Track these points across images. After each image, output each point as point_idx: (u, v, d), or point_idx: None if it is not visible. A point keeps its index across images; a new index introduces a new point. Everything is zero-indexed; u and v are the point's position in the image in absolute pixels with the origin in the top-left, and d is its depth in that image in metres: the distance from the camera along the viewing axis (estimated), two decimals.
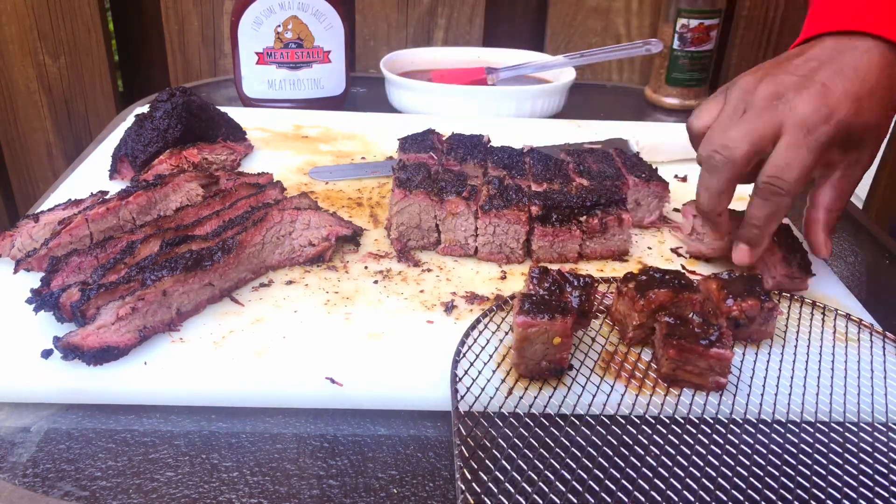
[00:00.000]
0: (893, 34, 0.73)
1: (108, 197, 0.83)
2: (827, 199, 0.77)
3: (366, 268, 0.81)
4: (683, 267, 0.84)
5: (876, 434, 0.60)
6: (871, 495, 0.54)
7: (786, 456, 0.57)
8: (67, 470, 0.56)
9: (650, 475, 0.54)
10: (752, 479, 0.54)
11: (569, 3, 1.62)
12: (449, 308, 0.74)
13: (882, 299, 0.84)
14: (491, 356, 0.67)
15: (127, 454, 0.58)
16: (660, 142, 1.10)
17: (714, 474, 0.54)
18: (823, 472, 0.56)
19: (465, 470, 0.53)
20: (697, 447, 0.57)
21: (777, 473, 0.55)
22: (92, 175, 0.99)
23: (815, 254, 0.79)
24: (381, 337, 0.70)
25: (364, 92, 1.44)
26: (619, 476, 0.54)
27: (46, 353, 0.64)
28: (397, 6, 1.62)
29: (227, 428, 0.61)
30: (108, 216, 0.79)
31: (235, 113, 1.12)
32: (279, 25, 1.22)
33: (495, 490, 0.52)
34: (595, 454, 0.56)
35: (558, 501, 0.51)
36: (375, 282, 0.78)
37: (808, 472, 0.56)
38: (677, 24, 1.33)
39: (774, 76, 0.74)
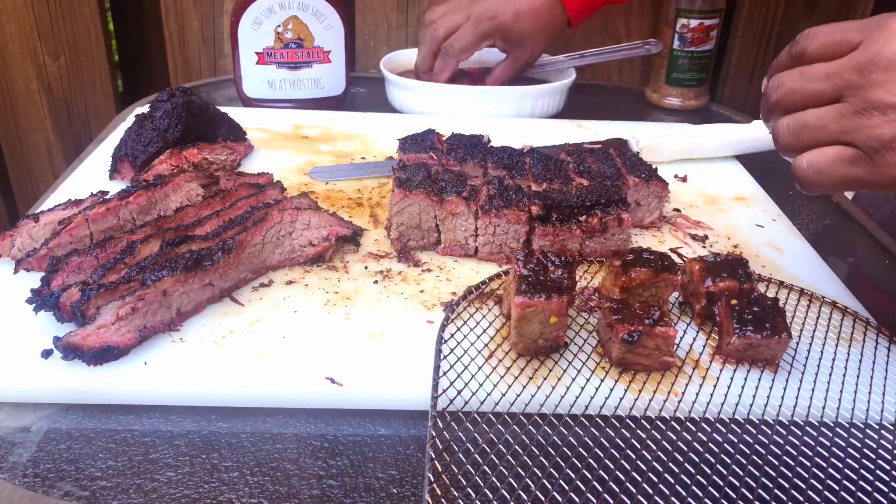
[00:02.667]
0: None
1: (108, 197, 0.83)
2: (495, 72, 1.30)
3: (366, 268, 0.81)
4: (680, 255, 0.84)
5: (873, 435, 0.60)
6: (861, 495, 0.54)
7: (784, 456, 0.57)
8: (67, 470, 0.56)
9: (638, 477, 0.54)
10: (746, 478, 0.55)
11: None
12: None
13: (882, 299, 0.84)
14: (471, 346, 0.67)
15: (127, 454, 0.58)
16: (660, 142, 1.10)
17: (693, 471, 0.55)
18: (819, 473, 0.56)
19: (435, 486, 0.53)
20: (680, 444, 0.57)
21: (774, 473, 0.55)
22: (92, 175, 0.99)
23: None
24: (381, 337, 0.70)
25: (364, 92, 1.44)
26: (590, 477, 0.54)
27: (46, 353, 0.64)
28: (397, 6, 1.62)
29: (227, 428, 0.61)
30: (108, 216, 0.79)
31: (235, 113, 1.12)
32: (279, 25, 1.22)
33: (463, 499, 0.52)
34: (569, 453, 0.56)
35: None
36: (375, 282, 0.79)
37: (802, 472, 0.56)
38: (677, 24, 1.33)
39: None
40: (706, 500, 0.52)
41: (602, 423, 0.59)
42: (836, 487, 0.54)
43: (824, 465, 0.56)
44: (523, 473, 0.54)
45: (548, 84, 1.30)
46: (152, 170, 0.93)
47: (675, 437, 0.58)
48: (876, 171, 0.57)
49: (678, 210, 0.98)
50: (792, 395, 0.64)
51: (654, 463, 0.56)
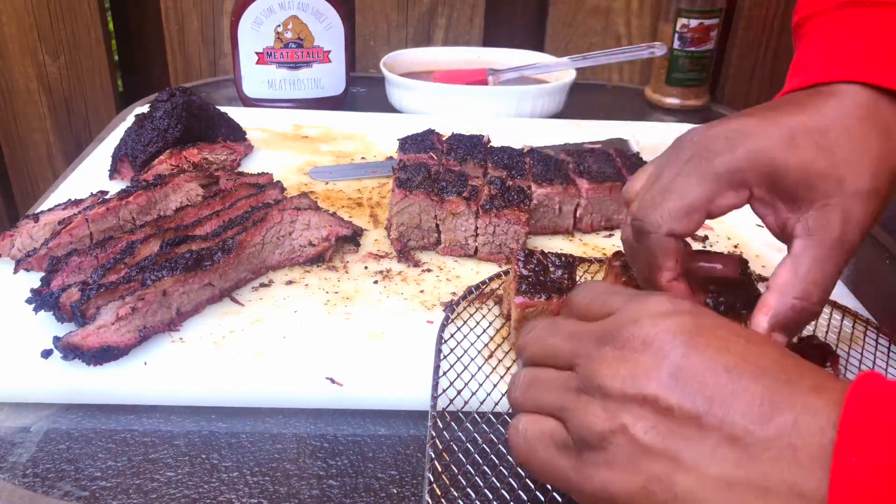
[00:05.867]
0: (879, 79, 0.54)
1: (108, 197, 0.83)
2: (779, 280, 0.54)
3: (366, 268, 0.81)
4: None
5: None
6: None
7: None
8: (67, 470, 0.56)
9: None
10: None
11: (569, 3, 1.62)
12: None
13: (882, 299, 0.84)
14: (471, 346, 0.67)
15: (127, 454, 0.58)
16: (660, 142, 1.10)
17: None
18: None
19: (435, 486, 0.53)
20: None
21: None
22: (92, 175, 0.99)
23: None
24: (381, 337, 0.70)
25: (364, 92, 1.44)
26: None
27: (46, 353, 0.64)
28: (397, 6, 1.62)
29: (227, 428, 0.61)
30: (108, 216, 0.79)
31: (235, 113, 1.12)
32: (279, 25, 1.22)
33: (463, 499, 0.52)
34: None
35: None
36: (375, 282, 0.78)
37: None
38: (677, 23, 1.33)
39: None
40: None
41: None
42: None
43: None
44: (523, 473, 0.54)
45: (548, 84, 1.30)
46: (152, 170, 0.93)
47: None
48: (580, 471, 0.41)
49: None
50: None
51: None
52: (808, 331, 0.72)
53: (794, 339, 0.62)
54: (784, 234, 0.56)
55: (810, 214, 0.53)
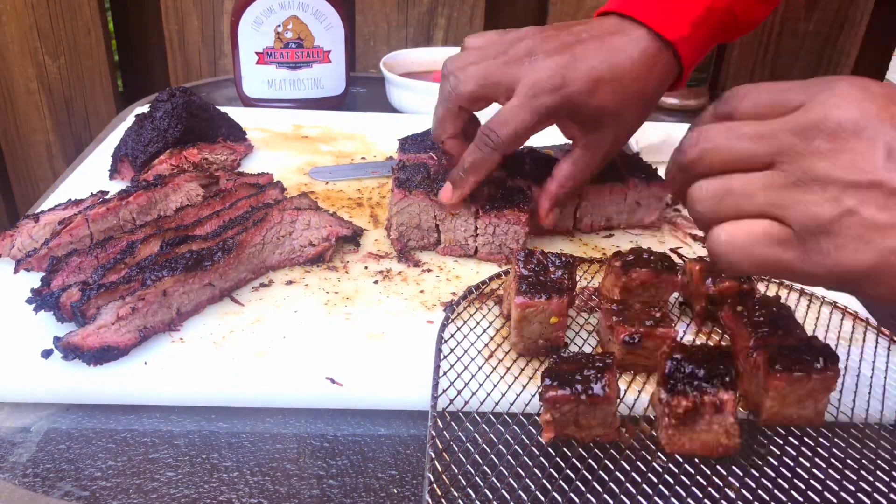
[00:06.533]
0: (665, 30, 0.73)
1: (108, 197, 0.83)
2: (560, 173, 0.80)
3: (366, 268, 0.81)
4: (681, 255, 0.84)
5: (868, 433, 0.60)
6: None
7: (784, 457, 0.57)
8: (67, 470, 0.56)
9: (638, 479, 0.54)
10: (747, 478, 0.55)
11: (569, 3, 1.62)
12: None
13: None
14: (471, 346, 0.67)
15: (127, 454, 0.58)
16: (660, 142, 1.10)
17: (693, 472, 0.54)
18: (819, 474, 0.56)
19: (435, 486, 0.53)
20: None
21: (774, 474, 0.55)
22: (92, 175, 0.99)
23: (539, 221, 0.82)
24: (381, 337, 0.70)
25: (364, 92, 1.44)
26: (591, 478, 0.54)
27: (46, 353, 0.64)
28: (397, 6, 1.62)
29: (227, 428, 0.61)
30: (108, 216, 0.79)
31: (235, 113, 1.12)
32: (279, 25, 1.22)
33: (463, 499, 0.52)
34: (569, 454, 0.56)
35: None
36: (375, 282, 0.79)
37: (802, 473, 0.56)
38: None
39: (546, 35, 0.74)
40: (706, 501, 0.53)
41: None
42: (836, 488, 0.54)
43: (824, 465, 0.56)
44: (523, 473, 0.54)
45: None
46: (152, 170, 0.93)
47: None
48: (806, 258, 0.45)
49: (678, 210, 0.98)
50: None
51: (654, 463, 0.56)
52: (808, 331, 0.73)
53: (793, 340, 0.62)
54: (570, 139, 0.81)
55: (592, 136, 0.77)
